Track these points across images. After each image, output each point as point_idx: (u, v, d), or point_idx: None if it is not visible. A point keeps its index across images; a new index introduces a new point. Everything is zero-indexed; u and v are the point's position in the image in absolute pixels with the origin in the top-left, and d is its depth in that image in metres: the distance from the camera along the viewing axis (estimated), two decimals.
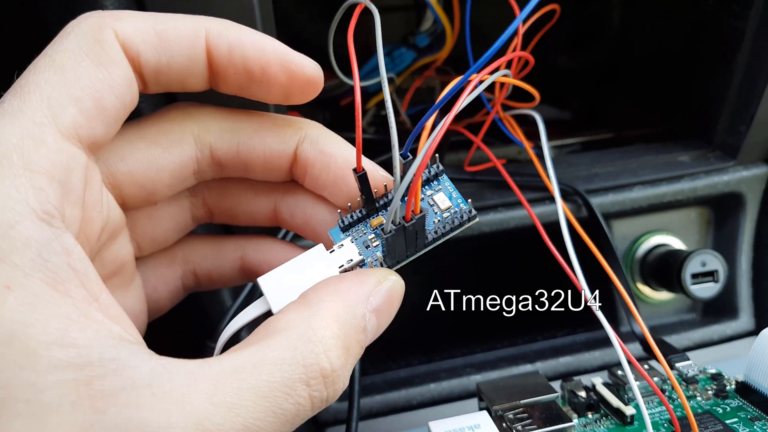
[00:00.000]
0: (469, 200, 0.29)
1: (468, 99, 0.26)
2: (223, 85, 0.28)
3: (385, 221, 0.27)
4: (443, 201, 0.29)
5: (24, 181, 0.21)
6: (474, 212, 0.29)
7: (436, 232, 0.28)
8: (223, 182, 0.32)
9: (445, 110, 0.26)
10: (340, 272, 0.28)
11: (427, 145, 0.25)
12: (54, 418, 0.19)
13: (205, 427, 0.20)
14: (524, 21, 0.41)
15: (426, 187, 0.30)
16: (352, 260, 0.28)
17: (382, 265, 0.28)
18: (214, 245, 0.34)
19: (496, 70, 0.27)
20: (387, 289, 0.27)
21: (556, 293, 0.44)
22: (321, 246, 0.29)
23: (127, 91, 0.25)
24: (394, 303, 0.27)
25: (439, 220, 0.29)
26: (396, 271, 0.28)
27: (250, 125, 0.30)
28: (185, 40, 0.26)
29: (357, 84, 0.26)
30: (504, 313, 0.58)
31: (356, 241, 0.29)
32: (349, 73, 0.51)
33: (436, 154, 0.30)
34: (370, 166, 0.29)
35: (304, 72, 0.27)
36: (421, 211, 0.27)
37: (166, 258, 0.33)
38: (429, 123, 0.26)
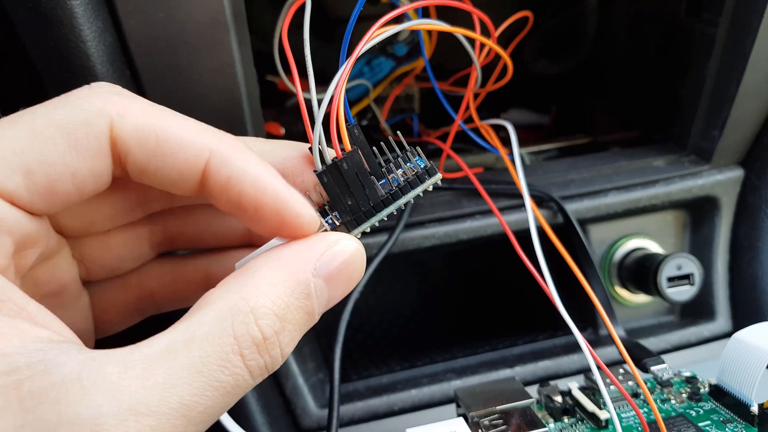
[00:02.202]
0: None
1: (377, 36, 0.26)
2: (210, 201, 0.27)
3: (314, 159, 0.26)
4: (408, 169, 0.28)
5: None
6: (433, 168, 0.28)
7: (395, 188, 0.27)
8: (185, 209, 0.31)
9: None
10: None
11: (346, 66, 0.25)
12: None
13: (139, 412, 0.20)
14: None
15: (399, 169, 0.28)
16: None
17: (345, 227, 0.27)
18: (172, 268, 0.32)
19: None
20: (338, 252, 0.25)
21: (532, 298, 0.45)
22: None
23: (91, 184, 0.24)
24: (351, 269, 0.26)
25: (399, 183, 0.28)
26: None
27: None
28: (183, 156, 0.24)
29: (296, 81, 0.27)
30: (484, 318, 0.59)
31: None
32: (326, 83, 0.52)
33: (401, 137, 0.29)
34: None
35: (299, 222, 0.26)
36: (352, 148, 0.26)
37: (118, 282, 0.31)
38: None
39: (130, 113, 0.24)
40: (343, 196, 0.27)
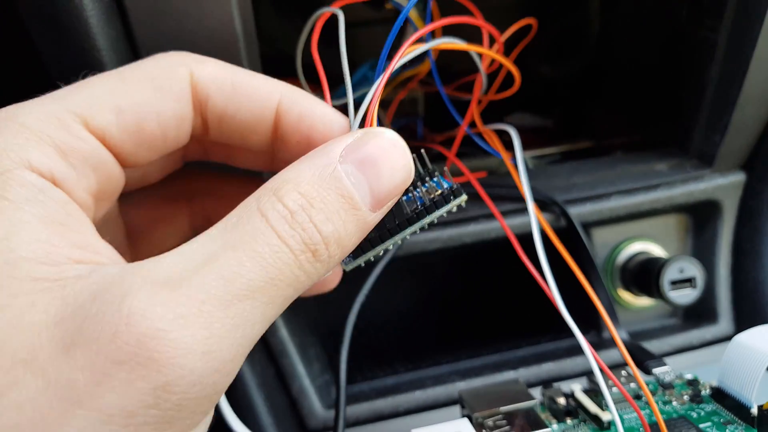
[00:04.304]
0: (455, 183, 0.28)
1: (405, 57, 0.28)
2: (282, 148, 0.28)
3: None
4: (432, 188, 0.28)
5: (31, 142, 0.22)
6: (459, 189, 0.28)
7: (420, 207, 0.28)
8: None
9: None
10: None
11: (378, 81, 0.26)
12: (27, 317, 0.20)
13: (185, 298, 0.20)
14: None
15: (420, 185, 0.29)
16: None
17: (369, 242, 0.27)
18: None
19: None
20: (367, 136, 0.25)
21: (536, 301, 0.45)
22: None
23: (173, 126, 0.26)
24: (388, 155, 0.25)
25: (425, 202, 0.28)
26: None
27: None
28: (258, 97, 0.27)
29: (327, 97, 0.28)
30: (488, 320, 0.60)
31: None
32: (336, 84, 0.53)
33: (422, 158, 0.29)
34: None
35: None
36: None
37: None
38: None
39: (205, 63, 0.26)
40: None
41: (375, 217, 0.25)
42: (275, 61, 0.48)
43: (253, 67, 0.38)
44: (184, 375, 0.20)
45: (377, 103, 0.27)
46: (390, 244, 0.28)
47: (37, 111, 0.23)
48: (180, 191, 0.33)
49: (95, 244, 0.23)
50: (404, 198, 0.28)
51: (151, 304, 0.20)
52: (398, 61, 0.27)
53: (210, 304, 0.20)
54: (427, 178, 0.28)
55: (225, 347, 0.21)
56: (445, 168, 0.28)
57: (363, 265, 0.29)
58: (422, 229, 0.28)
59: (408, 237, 0.28)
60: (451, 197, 0.28)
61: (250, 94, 0.26)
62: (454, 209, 0.28)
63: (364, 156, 0.25)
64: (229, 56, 0.36)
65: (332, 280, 0.33)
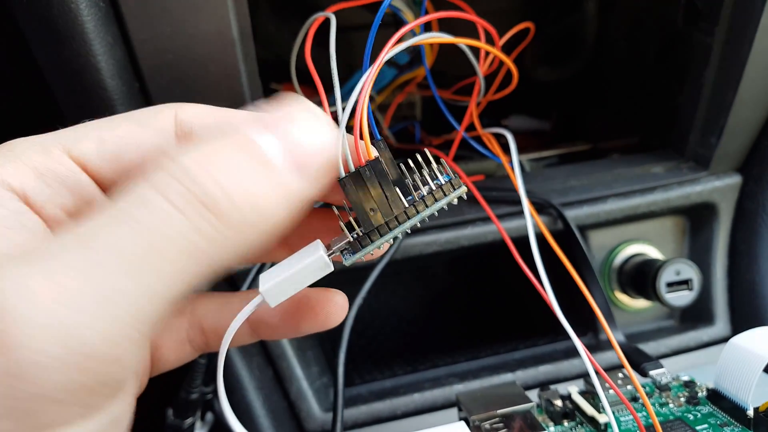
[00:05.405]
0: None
1: (393, 50, 0.27)
2: None
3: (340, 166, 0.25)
4: (430, 180, 0.27)
5: (11, 163, 0.24)
6: (458, 181, 0.27)
7: (418, 199, 0.27)
8: None
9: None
10: (328, 257, 0.26)
11: (369, 70, 0.26)
12: None
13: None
14: None
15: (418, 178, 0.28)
16: (339, 242, 0.27)
17: (368, 237, 0.27)
18: (221, 299, 0.33)
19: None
20: (278, 110, 0.23)
21: (534, 303, 0.45)
22: (318, 242, 0.27)
23: (154, 155, 0.27)
24: (301, 113, 0.23)
25: (423, 194, 0.27)
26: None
27: None
28: None
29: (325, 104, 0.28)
30: (486, 323, 0.60)
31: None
32: (331, 89, 0.53)
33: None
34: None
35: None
36: (375, 158, 0.26)
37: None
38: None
39: (189, 105, 0.28)
40: (366, 206, 0.26)
41: (303, 185, 0.23)
42: (273, 65, 0.48)
43: (250, 71, 0.39)
44: (37, 360, 0.17)
45: (366, 97, 0.26)
46: (390, 238, 0.27)
47: (30, 141, 0.25)
48: None
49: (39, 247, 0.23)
50: (402, 191, 0.27)
51: None
52: (386, 55, 0.27)
53: (68, 275, 0.18)
54: (425, 171, 0.27)
55: (94, 326, 0.18)
56: (444, 161, 0.28)
57: (363, 259, 0.28)
58: (422, 222, 0.27)
59: (408, 231, 0.27)
60: (451, 189, 0.27)
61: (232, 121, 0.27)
62: (455, 201, 0.27)
63: (274, 119, 0.23)
64: (226, 59, 0.37)
65: (337, 313, 0.32)
